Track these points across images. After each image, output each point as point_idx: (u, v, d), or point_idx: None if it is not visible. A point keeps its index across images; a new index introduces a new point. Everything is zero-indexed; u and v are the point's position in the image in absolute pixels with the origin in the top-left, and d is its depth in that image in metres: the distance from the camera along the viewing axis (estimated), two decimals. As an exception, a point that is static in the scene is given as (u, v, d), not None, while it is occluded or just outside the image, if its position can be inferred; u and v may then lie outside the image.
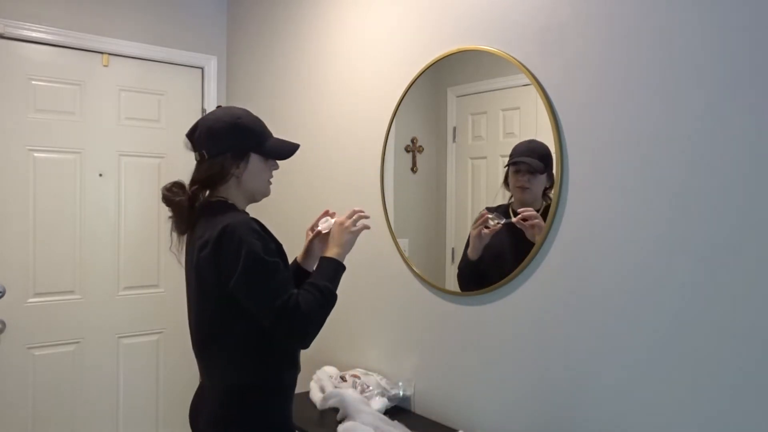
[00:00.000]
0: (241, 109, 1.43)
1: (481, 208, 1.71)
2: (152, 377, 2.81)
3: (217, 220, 1.28)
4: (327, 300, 1.31)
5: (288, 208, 2.52)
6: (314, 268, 1.39)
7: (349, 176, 2.21)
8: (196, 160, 1.40)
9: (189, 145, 1.41)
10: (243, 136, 1.37)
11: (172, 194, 1.39)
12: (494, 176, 1.67)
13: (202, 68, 2.93)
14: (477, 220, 1.67)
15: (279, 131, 2.62)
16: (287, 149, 1.44)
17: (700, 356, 1.23)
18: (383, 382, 1.92)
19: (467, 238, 1.69)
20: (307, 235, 1.56)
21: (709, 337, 1.22)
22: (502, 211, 1.64)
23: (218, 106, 1.41)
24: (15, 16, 2.43)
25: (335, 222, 1.45)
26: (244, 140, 1.37)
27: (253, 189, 1.41)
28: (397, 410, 1.87)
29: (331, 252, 1.40)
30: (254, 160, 1.39)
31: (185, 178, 2.99)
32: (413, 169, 1.94)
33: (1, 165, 2.43)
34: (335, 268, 1.38)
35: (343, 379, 1.97)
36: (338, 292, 1.35)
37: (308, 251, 1.55)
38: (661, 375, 1.29)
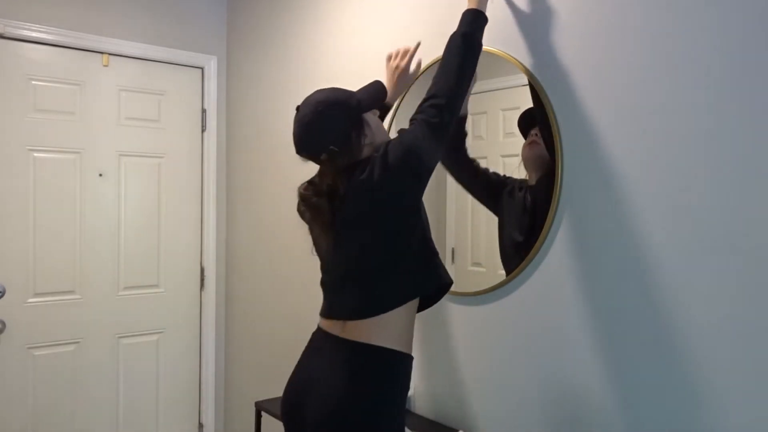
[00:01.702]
0: (315, 93, 1.36)
1: (481, 208, 1.71)
2: (152, 377, 2.81)
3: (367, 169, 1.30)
4: (464, 54, 1.37)
5: (288, 207, 2.52)
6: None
7: (349, 176, 2.21)
8: (324, 162, 1.33)
9: (305, 158, 1.37)
10: (345, 108, 1.33)
11: (311, 194, 1.35)
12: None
13: (202, 68, 2.93)
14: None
15: (280, 131, 2.64)
16: (380, 89, 1.41)
17: (703, 358, 1.23)
18: (383, 382, 1.92)
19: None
20: (390, 66, 1.64)
21: (716, 338, 1.22)
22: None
23: (297, 107, 1.36)
24: (15, 16, 2.43)
25: None
26: (349, 111, 1.33)
27: (382, 141, 1.38)
28: (397, 410, 1.87)
29: (471, 3, 1.44)
30: (369, 118, 1.37)
31: (184, 177, 3.01)
32: (413, 169, 1.93)
33: (1, 165, 2.43)
34: (474, 18, 1.41)
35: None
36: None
37: (394, 81, 1.64)
38: (665, 376, 1.29)
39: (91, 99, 2.63)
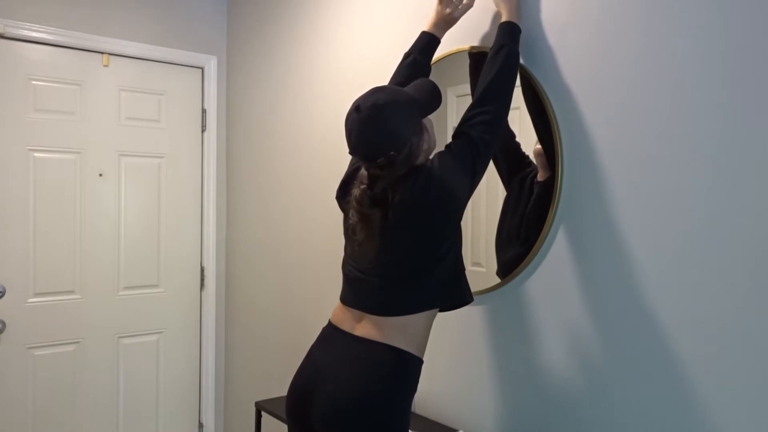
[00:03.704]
0: (376, 94, 1.28)
1: (481, 207, 1.71)
2: (152, 377, 2.81)
3: (422, 182, 1.29)
4: (511, 70, 1.41)
5: (286, 208, 2.53)
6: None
7: (349, 176, 2.21)
8: (380, 166, 1.27)
9: (361, 161, 1.32)
10: (409, 113, 1.28)
11: (368, 203, 1.30)
12: (494, 176, 1.67)
13: (202, 68, 2.93)
14: None
15: (280, 131, 2.64)
16: (437, 92, 1.35)
17: (702, 357, 1.23)
18: (383, 382, 1.92)
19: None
20: (440, 11, 1.62)
21: (716, 337, 1.22)
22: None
23: (356, 107, 1.27)
24: (15, 16, 2.43)
25: None
26: (413, 116, 1.29)
27: (434, 147, 1.38)
28: (397, 410, 1.87)
29: (505, 16, 1.49)
30: (426, 122, 1.34)
31: (184, 177, 2.99)
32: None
33: (1, 165, 2.43)
34: (514, 32, 1.46)
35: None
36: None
37: (441, 18, 1.62)
38: (665, 375, 1.29)
39: (91, 99, 2.63)
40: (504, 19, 1.49)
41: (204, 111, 2.93)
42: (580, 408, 1.45)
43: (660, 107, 1.29)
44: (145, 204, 2.77)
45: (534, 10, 1.55)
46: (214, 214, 2.96)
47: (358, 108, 1.27)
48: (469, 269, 1.73)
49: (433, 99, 1.33)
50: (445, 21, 1.64)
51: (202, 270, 2.95)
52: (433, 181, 1.29)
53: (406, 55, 1.63)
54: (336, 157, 2.27)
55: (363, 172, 1.36)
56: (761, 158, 1.14)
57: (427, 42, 1.62)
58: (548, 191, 1.52)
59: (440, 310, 1.38)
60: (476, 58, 1.68)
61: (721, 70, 1.20)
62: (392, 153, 1.25)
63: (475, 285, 1.69)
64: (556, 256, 1.51)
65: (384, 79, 2.03)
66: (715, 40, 1.21)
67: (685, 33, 1.26)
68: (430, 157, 1.37)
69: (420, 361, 1.32)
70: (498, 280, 1.64)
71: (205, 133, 2.94)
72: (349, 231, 1.41)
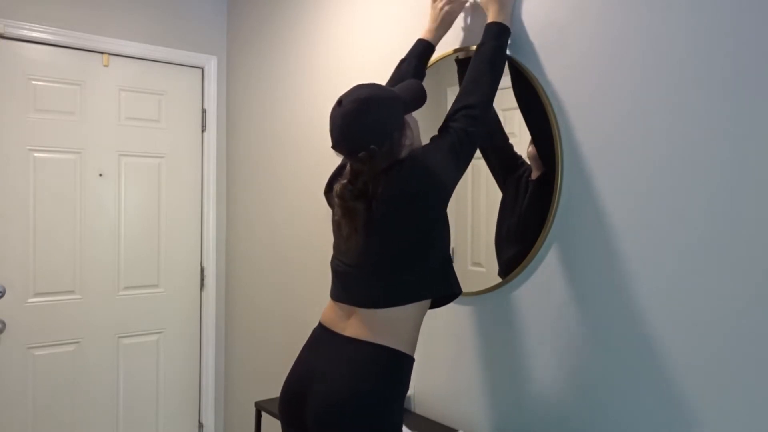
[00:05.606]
0: (359, 89, 1.31)
1: (481, 207, 1.71)
2: (152, 377, 2.81)
3: (408, 172, 1.30)
4: (495, 67, 1.42)
5: (286, 208, 2.53)
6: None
7: (349, 176, 2.21)
8: (361, 160, 1.27)
9: (344, 155, 1.34)
10: (391, 108, 1.30)
11: (349, 196, 1.30)
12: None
13: (202, 68, 2.93)
14: None
15: (280, 131, 2.64)
16: (422, 90, 1.37)
17: (701, 357, 1.23)
18: (383, 382, 1.92)
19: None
20: (435, 6, 1.63)
21: (713, 341, 1.22)
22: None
23: (339, 101, 1.31)
24: (15, 16, 2.43)
25: None
26: (395, 110, 1.31)
27: (419, 143, 1.39)
28: (397, 410, 1.87)
29: (491, 17, 1.49)
30: (409, 119, 1.36)
31: (184, 177, 2.99)
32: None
33: (1, 165, 2.43)
34: (502, 32, 1.46)
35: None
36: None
37: (438, 21, 1.63)
38: (665, 377, 1.29)
39: (91, 99, 2.63)
40: (490, 19, 1.50)
41: (204, 111, 2.93)
42: (579, 407, 1.45)
43: (661, 108, 1.29)
44: (145, 204, 2.78)
45: (534, 10, 1.55)
46: (214, 214, 2.96)
47: (340, 102, 1.30)
48: (469, 269, 1.73)
49: (417, 97, 1.35)
50: (441, 22, 1.65)
51: (202, 270, 2.95)
52: (416, 171, 1.30)
53: (402, 61, 1.66)
54: (336, 157, 2.27)
55: (348, 167, 1.36)
56: (763, 161, 1.14)
57: (423, 50, 1.65)
58: (542, 188, 1.53)
59: (431, 306, 1.38)
60: (463, 63, 1.70)
61: (723, 69, 1.20)
62: (373, 147, 1.26)
63: (475, 285, 1.70)
64: (554, 258, 1.51)
65: (384, 79, 2.03)
66: (716, 40, 1.21)
67: (686, 32, 1.26)
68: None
69: (411, 359, 1.32)
70: (500, 280, 1.65)
71: (205, 133, 2.94)
72: (335, 227, 1.42)
